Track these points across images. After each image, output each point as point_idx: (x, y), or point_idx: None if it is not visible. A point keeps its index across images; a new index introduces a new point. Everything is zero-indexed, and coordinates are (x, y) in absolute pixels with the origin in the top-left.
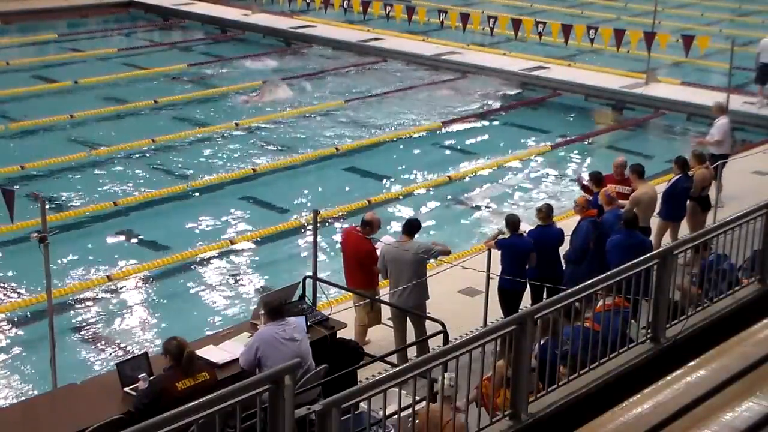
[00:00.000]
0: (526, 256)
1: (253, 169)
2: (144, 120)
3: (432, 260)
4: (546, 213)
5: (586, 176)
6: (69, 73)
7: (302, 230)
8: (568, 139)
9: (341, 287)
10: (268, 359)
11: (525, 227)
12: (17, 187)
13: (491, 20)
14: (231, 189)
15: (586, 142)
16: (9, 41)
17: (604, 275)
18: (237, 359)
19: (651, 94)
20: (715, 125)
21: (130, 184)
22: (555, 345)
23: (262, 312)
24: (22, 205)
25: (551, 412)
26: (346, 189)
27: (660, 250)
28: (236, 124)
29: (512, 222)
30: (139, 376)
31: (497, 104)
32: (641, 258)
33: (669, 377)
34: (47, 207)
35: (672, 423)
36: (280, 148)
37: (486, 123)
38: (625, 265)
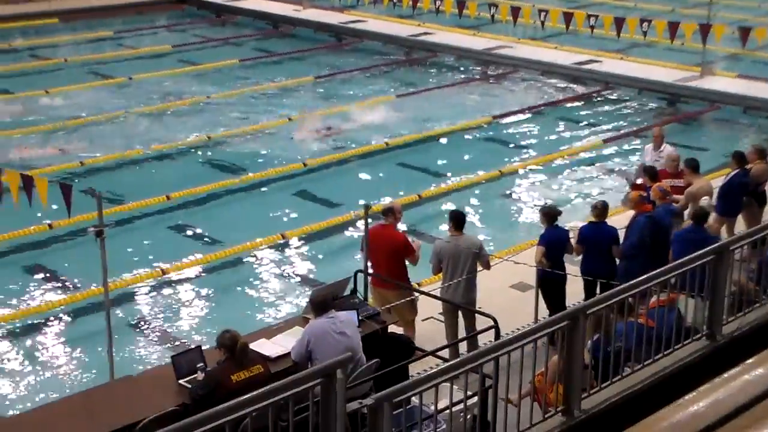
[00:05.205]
0: (562, 246)
1: (303, 163)
2: (198, 115)
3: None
4: (601, 210)
5: (633, 173)
6: (124, 70)
7: (353, 225)
8: (621, 133)
9: (392, 282)
10: (318, 352)
11: (578, 223)
12: (77, 181)
13: (542, 14)
14: (283, 184)
15: (639, 137)
16: (67, 38)
17: (657, 270)
18: (289, 353)
19: (706, 87)
20: (667, 152)
21: (185, 179)
22: (607, 342)
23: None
24: (79, 200)
25: (604, 409)
26: (397, 184)
27: (716, 245)
28: (289, 119)
29: (547, 214)
30: (198, 366)
31: (549, 98)
32: (696, 254)
33: (725, 375)
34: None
35: (729, 422)
36: (331, 143)
37: (537, 117)
38: (680, 261)
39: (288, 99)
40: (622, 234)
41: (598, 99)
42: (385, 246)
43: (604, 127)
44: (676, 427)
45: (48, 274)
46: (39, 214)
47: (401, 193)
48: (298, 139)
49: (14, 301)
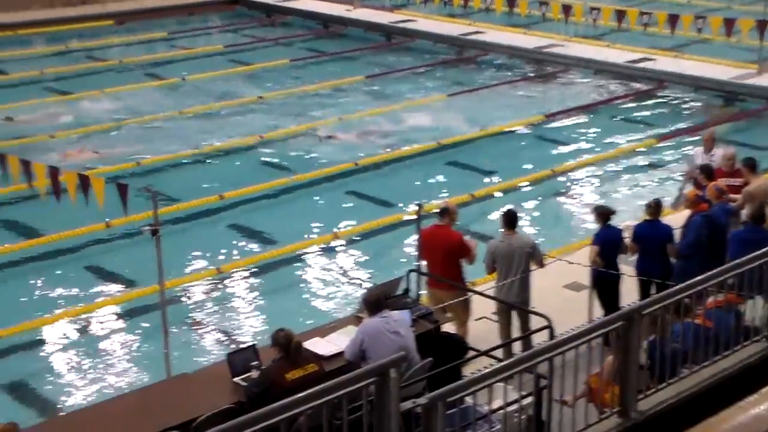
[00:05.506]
0: (616, 246)
1: (355, 163)
2: (250, 115)
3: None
4: (654, 208)
5: (696, 159)
6: (177, 70)
7: (406, 224)
8: (676, 132)
9: (446, 281)
10: (372, 351)
11: (632, 223)
12: (132, 181)
13: (594, 11)
14: (335, 183)
15: (694, 136)
16: (122, 40)
17: (714, 271)
18: (342, 352)
19: (764, 85)
20: (722, 153)
21: (238, 179)
22: (664, 342)
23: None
24: (135, 199)
25: (662, 411)
26: (449, 183)
27: None
28: (339, 119)
29: (601, 213)
30: (252, 364)
31: (601, 97)
32: (755, 254)
33: None
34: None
35: None
36: (382, 142)
37: (590, 116)
38: (738, 261)
39: (339, 98)
40: (677, 234)
41: (652, 97)
42: (441, 246)
43: (659, 125)
44: (737, 429)
45: (105, 273)
46: (78, 220)
47: (453, 192)
48: (336, 141)
49: (72, 299)
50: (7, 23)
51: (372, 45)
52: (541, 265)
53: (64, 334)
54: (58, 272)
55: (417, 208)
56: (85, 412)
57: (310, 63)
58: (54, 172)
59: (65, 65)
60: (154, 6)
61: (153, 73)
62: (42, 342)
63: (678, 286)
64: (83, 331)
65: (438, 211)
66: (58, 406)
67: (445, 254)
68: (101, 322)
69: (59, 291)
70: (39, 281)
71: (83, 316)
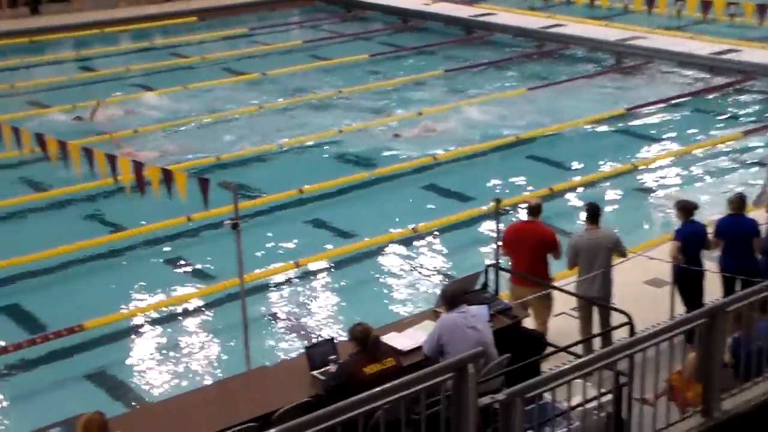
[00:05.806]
0: (700, 241)
1: (433, 157)
2: (329, 110)
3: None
4: (738, 203)
5: None
6: (258, 66)
7: (484, 219)
8: (763, 125)
9: (525, 276)
10: (450, 346)
11: (713, 217)
12: (214, 175)
13: (678, 2)
14: (413, 177)
15: None
16: (204, 36)
17: None
18: (420, 347)
19: None
20: None
21: (317, 173)
22: (749, 340)
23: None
24: (216, 193)
25: (747, 410)
26: (528, 177)
27: None
28: (418, 113)
29: (683, 208)
30: (330, 358)
31: (685, 90)
32: None
33: None
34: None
35: None
36: (461, 136)
37: (673, 109)
38: None
39: (418, 92)
40: (764, 229)
41: (738, 90)
42: (532, 242)
43: (745, 118)
44: None
45: (186, 266)
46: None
47: (533, 187)
48: (403, 138)
49: (154, 292)
50: (96, 21)
51: (451, 39)
52: (624, 255)
53: (146, 327)
54: (141, 265)
55: (495, 203)
56: (165, 403)
57: (389, 57)
58: (138, 166)
59: (149, 62)
60: (235, 2)
61: (234, 69)
62: (124, 334)
63: (763, 283)
64: (164, 323)
65: (527, 207)
66: (140, 396)
67: (535, 250)
68: (182, 315)
69: (142, 284)
70: (122, 274)
71: (165, 308)
